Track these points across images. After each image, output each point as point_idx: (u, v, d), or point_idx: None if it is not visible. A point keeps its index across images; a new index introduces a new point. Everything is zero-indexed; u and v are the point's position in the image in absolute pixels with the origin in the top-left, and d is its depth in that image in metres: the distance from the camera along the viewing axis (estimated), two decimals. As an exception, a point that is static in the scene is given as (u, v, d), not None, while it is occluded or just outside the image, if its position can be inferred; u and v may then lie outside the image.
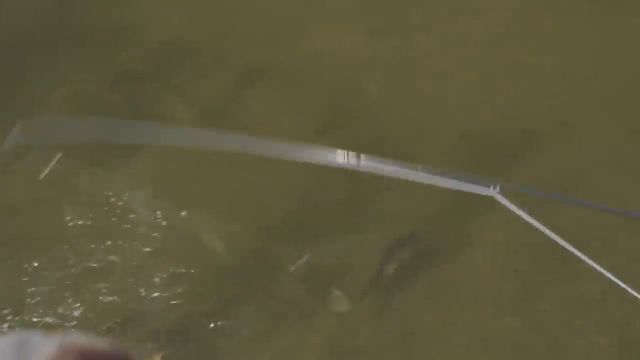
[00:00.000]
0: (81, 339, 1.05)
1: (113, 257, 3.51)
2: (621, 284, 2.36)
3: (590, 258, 2.40)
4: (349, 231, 3.59)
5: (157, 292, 3.39)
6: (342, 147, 3.77)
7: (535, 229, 2.34)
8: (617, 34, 4.25)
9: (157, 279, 3.45)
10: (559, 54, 4.22)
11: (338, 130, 3.75)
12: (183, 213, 3.64)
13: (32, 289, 3.41)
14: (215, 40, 4.27)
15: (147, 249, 3.54)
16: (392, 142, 3.86)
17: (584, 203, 3.32)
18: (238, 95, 4.06)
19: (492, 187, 2.23)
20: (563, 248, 2.38)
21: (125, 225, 3.61)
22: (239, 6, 4.40)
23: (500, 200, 2.23)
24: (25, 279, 3.45)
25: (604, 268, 2.42)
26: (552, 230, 2.35)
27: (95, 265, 3.50)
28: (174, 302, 3.38)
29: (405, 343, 3.33)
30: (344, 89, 4.12)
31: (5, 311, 3.39)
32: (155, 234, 3.57)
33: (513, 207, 2.26)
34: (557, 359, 3.31)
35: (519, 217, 2.30)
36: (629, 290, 2.37)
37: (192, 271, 3.46)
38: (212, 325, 3.32)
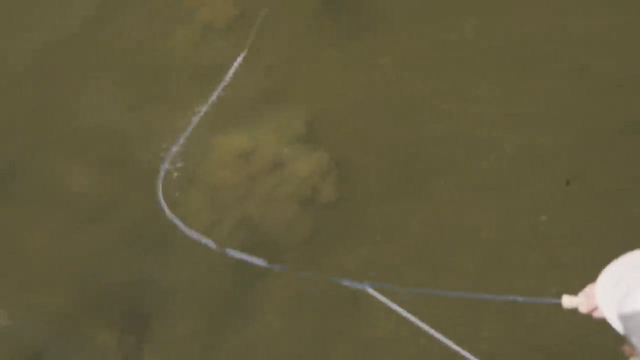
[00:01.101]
0: None
1: None
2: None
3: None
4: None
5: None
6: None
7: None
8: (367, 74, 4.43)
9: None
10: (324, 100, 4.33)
11: (107, 217, 3.68)
12: None
13: None
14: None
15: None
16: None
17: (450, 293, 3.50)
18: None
19: (365, 284, 2.65)
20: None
21: None
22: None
23: (373, 294, 2.60)
24: None
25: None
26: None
27: None
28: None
29: None
30: (117, 164, 4.05)
31: None
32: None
33: (385, 300, 2.61)
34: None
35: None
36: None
37: None
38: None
